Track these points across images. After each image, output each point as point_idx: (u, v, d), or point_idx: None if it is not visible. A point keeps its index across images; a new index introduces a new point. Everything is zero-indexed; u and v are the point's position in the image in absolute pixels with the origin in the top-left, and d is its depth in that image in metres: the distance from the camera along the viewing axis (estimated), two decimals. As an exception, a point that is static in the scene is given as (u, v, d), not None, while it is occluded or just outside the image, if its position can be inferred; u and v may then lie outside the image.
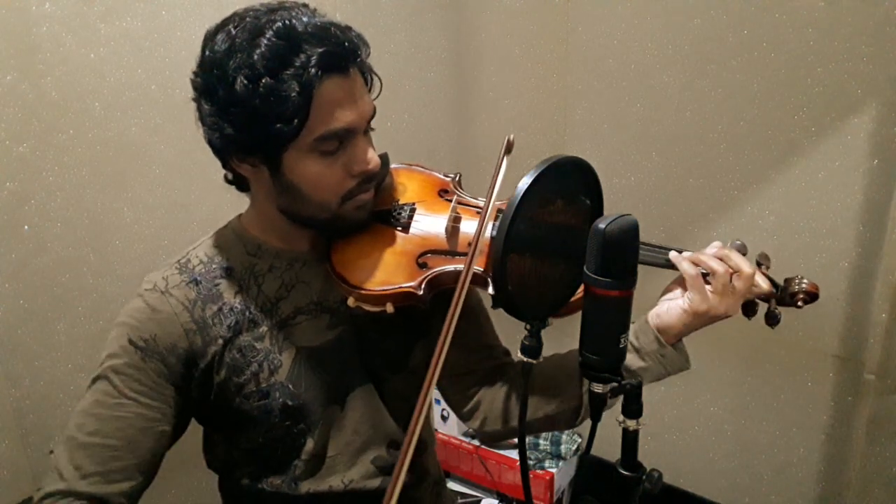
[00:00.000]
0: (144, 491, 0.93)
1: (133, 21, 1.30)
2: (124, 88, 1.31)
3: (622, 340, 0.74)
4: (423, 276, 0.93)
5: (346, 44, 0.86)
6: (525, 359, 0.80)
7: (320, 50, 0.82)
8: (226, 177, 0.97)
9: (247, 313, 0.95)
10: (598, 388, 0.75)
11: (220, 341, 0.93)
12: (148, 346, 0.91)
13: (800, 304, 0.94)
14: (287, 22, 0.83)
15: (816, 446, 1.81)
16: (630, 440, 0.76)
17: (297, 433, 0.98)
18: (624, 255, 0.71)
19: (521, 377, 0.81)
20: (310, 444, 0.99)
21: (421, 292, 0.92)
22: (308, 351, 0.97)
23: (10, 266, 1.21)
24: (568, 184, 0.79)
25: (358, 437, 1.01)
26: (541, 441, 2.21)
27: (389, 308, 0.93)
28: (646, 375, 0.93)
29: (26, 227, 1.22)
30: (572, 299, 0.85)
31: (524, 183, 0.73)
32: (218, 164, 0.94)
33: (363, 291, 0.93)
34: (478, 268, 0.91)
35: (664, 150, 1.88)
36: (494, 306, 0.92)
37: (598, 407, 0.76)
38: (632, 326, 0.96)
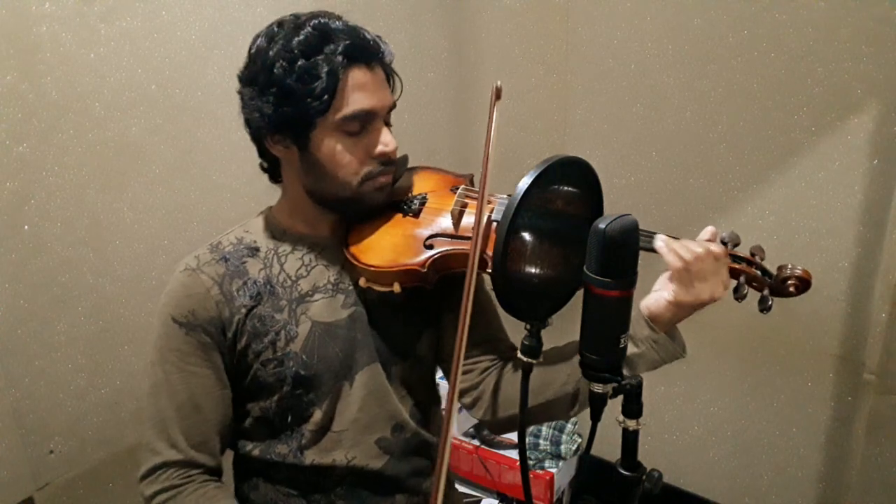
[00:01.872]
0: (226, 450, 1.07)
1: (133, 21, 1.30)
2: (124, 88, 1.31)
3: (622, 340, 0.74)
4: (427, 256, 1.00)
5: (372, 42, 0.99)
6: (525, 359, 0.80)
7: (348, 42, 0.95)
8: (261, 165, 1.09)
9: (268, 286, 1.04)
10: (599, 388, 0.75)
11: (244, 310, 1.02)
12: (189, 322, 1.00)
13: (792, 290, 0.94)
14: (322, 20, 0.97)
15: (816, 446, 1.81)
16: (630, 440, 0.76)
17: (307, 403, 1.05)
18: (624, 255, 0.71)
19: (522, 376, 0.81)
20: (317, 415, 1.05)
21: (425, 270, 0.99)
22: (322, 326, 1.05)
23: (10, 266, 1.21)
24: (568, 183, 0.79)
25: (364, 415, 1.07)
26: (541, 441, 2.21)
27: (397, 288, 1.00)
28: (640, 363, 0.94)
29: (26, 227, 1.22)
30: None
31: (524, 183, 0.73)
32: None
33: (372, 268, 1.01)
34: (483, 251, 0.94)
35: (664, 150, 1.88)
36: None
37: (598, 407, 0.76)
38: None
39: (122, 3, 1.28)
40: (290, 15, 1.01)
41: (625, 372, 0.94)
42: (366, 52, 0.98)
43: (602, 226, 0.69)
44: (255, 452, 1.08)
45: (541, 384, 1.03)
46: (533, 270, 0.81)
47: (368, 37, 1.00)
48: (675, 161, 1.86)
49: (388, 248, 1.03)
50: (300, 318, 1.04)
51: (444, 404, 1.03)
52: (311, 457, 1.06)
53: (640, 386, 0.75)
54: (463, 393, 1.13)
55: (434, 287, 1.02)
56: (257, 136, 1.03)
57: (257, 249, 1.07)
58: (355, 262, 1.02)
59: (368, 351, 1.07)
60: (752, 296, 0.97)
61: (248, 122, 1.01)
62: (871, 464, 1.64)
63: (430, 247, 1.02)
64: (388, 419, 1.09)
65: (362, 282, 1.02)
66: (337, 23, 0.98)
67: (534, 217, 0.76)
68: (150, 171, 1.37)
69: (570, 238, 0.79)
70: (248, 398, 1.07)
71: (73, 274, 1.29)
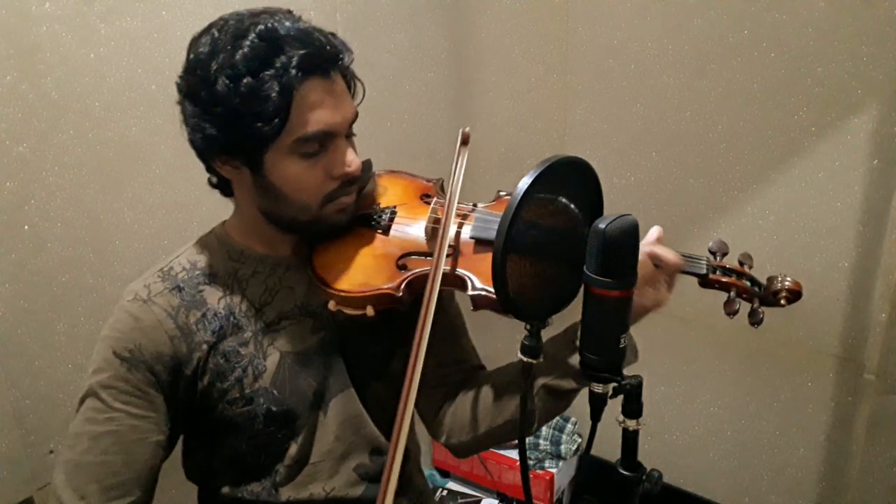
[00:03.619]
0: (153, 492, 0.93)
1: (133, 21, 1.30)
2: (124, 88, 1.30)
3: (622, 340, 0.73)
4: (402, 278, 0.93)
5: (328, 47, 0.87)
6: (525, 359, 0.80)
7: (301, 52, 0.84)
8: (210, 180, 0.98)
9: (231, 318, 0.95)
10: (599, 388, 0.75)
11: (205, 347, 0.93)
12: (133, 356, 0.90)
13: (783, 302, 0.93)
14: (269, 25, 0.85)
15: (816, 446, 1.81)
16: (630, 440, 0.76)
17: (281, 439, 0.98)
18: (624, 256, 0.71)
19: (521, 378, 0.81)
20: (293, 450, 0.98)
21: (400, 294, 0.92)
22: (292, 356, 0.97)
23: (10, 266, 1.21)
24: (568, 184, 0.79)
25: (340, 444, 1.01)
26: (541, 441, 2.21)
27: (370, 311, 0.93)
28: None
29: (26, 227, 1.22)
30: None
31: (524, 183, 0.73)
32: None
33: (343, 293, 0.93)
34: (460, 270, 0.92)
35: (664, 150, 1.88)
36: (474, 308, 0.93)
37: (598, 407, 0.76)
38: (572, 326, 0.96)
39: (122, 3, 1.28)
40: (233, 15, 0.88)
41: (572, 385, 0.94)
42: (322, 60, 0.86)
43: (602, 226, 0.69)
44: (225, 490, 1.00)
45: (495, 408, 1.01)
46: (532, 276, 0.80)
47: (324, 41, 0.87)
48: (675, 161, 1.86)
49: (357, 269, 0.96)
50: (267, 350, 0.96)
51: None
52: (286, 493, 0.99)
53: (640, 386, 0.75)
54: (426, 417, 1.09)
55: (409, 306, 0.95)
56: (202, 156, 0.93)
57: (214, 275, 0.97)
58: (323, 287, 0.94)
59: (342, 376, 1.01)
60: (742, 307, 0.96)
61: (190, 141, 0.90)
62: (871, 464, 1.64)
63: (404, 267, 0.95)
64: (366, 445, 1.03)
65: (332, 305, 0.94)
66: (286, 25, 0.86)
67: (531, 224, 0.76)
68: (150, 171, 1.37)
69: (570, 239, 0.79)
70: (215, 438, 0.98)
71: (73, 274, 1.29)
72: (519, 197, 0.73)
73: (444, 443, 1.09)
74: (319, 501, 0.99)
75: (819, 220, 1.66)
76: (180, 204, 1.42)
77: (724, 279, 0.95)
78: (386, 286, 0.93)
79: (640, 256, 0.87)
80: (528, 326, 0.80)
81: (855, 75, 1.54)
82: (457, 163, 0.91)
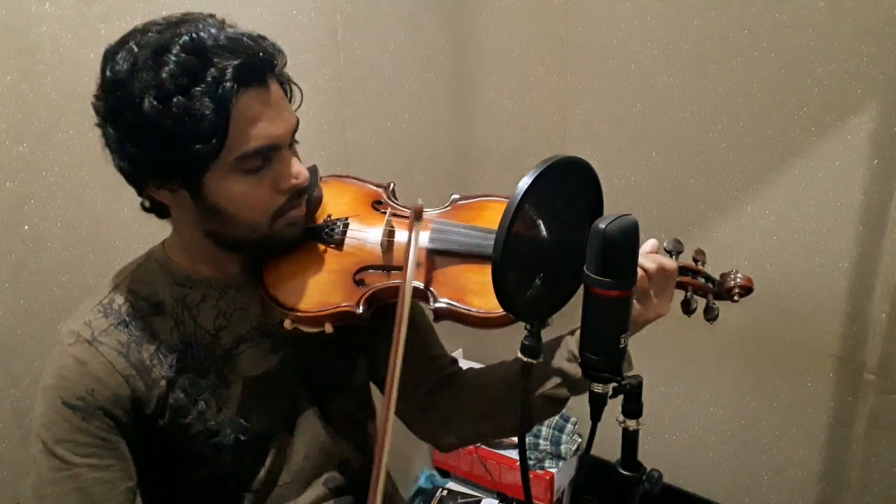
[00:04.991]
0: None
1: (133, 21, 1.28)
2: (124, 88, 1.30)
3: (622, 340, 0.74)
4: (360, 294, 0.90)
5: (261, 54, 0.81)
6: (525, 359, 0.80)
7: (234, 62, 0.77)
8: (142, 204, 0.90)
9: (187, 350, 0.90)
10: (599, 388, 0.75)
11: (164, 383, 0.88)
12: (87, 404, 0.83)
13: (736, 297, 0.94)
14: (194, 35, 0.78)
15: (816, 446, 1.81)
16: (630, 440, 0.76)
17: (249, 465, 0.94)
18: (624, 255, 0.71)
19: (521, 378, 0.81)
20: (261, 474, 0.95)
21: (360, 311, 0.89)
22: (254, 380, 0.93)
23: (10, 266, 1.21)
24: (568, 184, 0.79)
25: (308, 463, 0.98)
26: (541, 441, 2.21)
27: (328, 328, 0.90)
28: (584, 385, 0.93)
29: (26, 227, 1.22)
30: None
31: (524, 183, 0.73)
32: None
33: (299, 314, 0.89)
34: (417, 282, 0.91)
35: (664, 150, 1.88)
36: (436, 320, 0.92)
37: (598, 407, 0.76)
38: (570, 337, 0.97)
39: (122, 3, 1.28)
40: (150, 25, 0.80)
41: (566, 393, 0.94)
42: (256, 69, 0.80)
43: (602, 226, 0.69)
44: None
45: (484, 407, 1.01)
46: (532, 277, 0.80)
47: (256, 47, 0.81)
48: (675, 161, 1.86)
49: (313, 287, 0.91)
50: (229, 378, 0.91)
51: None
52: None
53: (640, 386, 0.75)
54: (407, 416, 1.07)
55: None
56: (133, 184, 0.86)
57: (161, 304, 0.90)
58: (277, 307, 0.90)
59: (305, 395, 0.98)
60: (698, 304, 0.97)
61: (118, 167, 0.83)
62: (871, 464, 1.64)
63: (361, 282, 0.92)
64: (335, 459, 1.01)
65: (287, 324, 0.90)
66: (212, 32, 0.79)
67: (531, 225, 0.76)
68: (150, 171, 1.37)
69: (570, 240, 0.79)
70: (178, 468, 0.93)
71: (73, 274, 1.29)
72: (519, 197, 0.73)
73: (431, 442, 1.09)
74: None
75: (819, 220, 1.66)
76: (180, 204, 1.42)
77: (681, 278, 0.95)
78: (345, 304, 0.90)
79: (655, 265, 0.87)
80: (528, 326, 0.80)
81: (855, 75, 1.53)
82: (410, 241, 0.86)
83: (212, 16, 0.83)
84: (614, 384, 0.75)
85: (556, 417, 2.13)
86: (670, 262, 0.90)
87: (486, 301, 0.90)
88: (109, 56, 0.80)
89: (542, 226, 0.78)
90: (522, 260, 0.77)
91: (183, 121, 0.76)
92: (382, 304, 0.92)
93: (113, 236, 1.34)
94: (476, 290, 0.91)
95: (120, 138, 0.80)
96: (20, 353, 1.24)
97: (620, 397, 0.76)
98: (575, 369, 0.94)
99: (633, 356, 0.96)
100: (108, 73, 0.79)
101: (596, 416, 0.77)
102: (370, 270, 0.93)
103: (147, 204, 0.90)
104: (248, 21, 1.38)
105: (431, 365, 1.08)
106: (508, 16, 2.01)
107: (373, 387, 1.13)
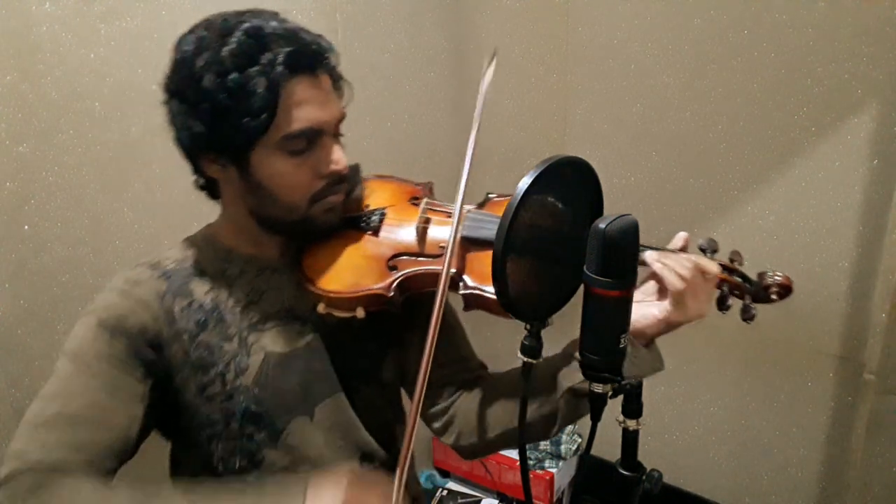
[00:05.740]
0: (114, 475, 0.86)
1: (133, 21, 1.30)
2: (124, 88, 1.30)
3: (622, 340, 0.73)
4: (392, 279, 0.93)
5: (314, 46, 0.89)
6: (525, 359, 0.80)
7: (287, 49, 0.85)
8: (196, 182, 0.98)
9: (215, 312, 0.94)
10: (599, 388, 0.75)
11: (186, 337, 0.92)
12: (118, 325, 0.88)
13: (774, 297, 0.93)
14: (255, 23, 0.86)
15: (816, 446, 1.81)
16: (630, 440, 0.76)
17: (258, 444, 0.95)
18: (624, 256, 0.71)
19: (521, 380, 0.81)
20: (271, 457, 0.95)
21: (391, 294, 0.92)
22: (277, 357, 0.95)
23: (10, 266, 1.21)
24: (568, 184, 0.79)
25: (329, 451, 0.99)
26: (541, 441, 2.21)
27: (360, 313, 0.93)
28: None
29: (26, 227, 1.22)
30: None
31: (524, 183, 0.73)
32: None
33: (333, 295, 0.93)
34: (453, 269, 0.91)
35: (664, 150, 1.88)
36: (466, 309, 0.92)
37: (598, 407, 0.76)
38: None
39: (122, 3, 1.28)
40: (218, 15, 0.89)
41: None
42: (309, 59, 0.88)
43: (602, 226, 0.69)
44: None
45: (507, 412, 1.00)
46: (532, 277, 0.80)
47: (310, 40, 0.88)
48: (675, 161, 1.86)
49: (347, 270, 0.95)
50: (252, 349, 0.94)
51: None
52: None
53: (640, 386, 0.75)
54: (433, 418, 1.07)
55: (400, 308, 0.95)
56: (189, 155, 0.93)
57: (203, 271, 0.96)
58: (312, 288, 0.93)
59: (329, 381, 0.99)
60: (734, 303, 0.96)
61: (177, 140, 0.91)
62: (871, 464, 1.64)
63: (394, 267, 0.94)
64: (356, 450, 1.01)
65: (321, 308, 0.93)
66: (272, 24, 0.87)
67: (531, 225, 0.76)
68: (150, 171, 1.37)
69: (570, 239, 0.79)
70: (186, 441, 0.95)
71: (73, 274, 1.29)
72: (519, 197, 0.73)
73: (452, 444, 1.07)
74: None
75: (819, 220, 1.66)
76: (180, 204, 1.41)
77: (720, 276, 0.94)
78: (377, 286, 0.93)
79: (692, 266, 0.87)
80: (528, 326, 0.80)
81: (855, 75, 1.54)
82: (456, 217, 0.88)
83: (275, 13, 0.90)
84: (614, 384, 0.75)
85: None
86: (712, 266, 0.89)
87: None
88: (179, 41, 0.89)
89: (542, 226, 0.78)
90: (522, 260, 0.77)
91: (236, 95, 0.83)
92: (415, 293, 0.95)
93: (113, 236, 1.34)
94: None
95: (181, 111, 0.88)
96: (20, 353, 1.24)
97: (620, 397, 0.75)
98: None
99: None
100: (176, 55, 0.89)
101: (596, 416, 0.77)
102: (404, 257, 0.96)
103: (201, 182, 0.97)
104: (248, 21, 1.39)
105: (460, 365, 1.08)
106: (508, 16, 2.01)
107: (403, 394, 1.14)
